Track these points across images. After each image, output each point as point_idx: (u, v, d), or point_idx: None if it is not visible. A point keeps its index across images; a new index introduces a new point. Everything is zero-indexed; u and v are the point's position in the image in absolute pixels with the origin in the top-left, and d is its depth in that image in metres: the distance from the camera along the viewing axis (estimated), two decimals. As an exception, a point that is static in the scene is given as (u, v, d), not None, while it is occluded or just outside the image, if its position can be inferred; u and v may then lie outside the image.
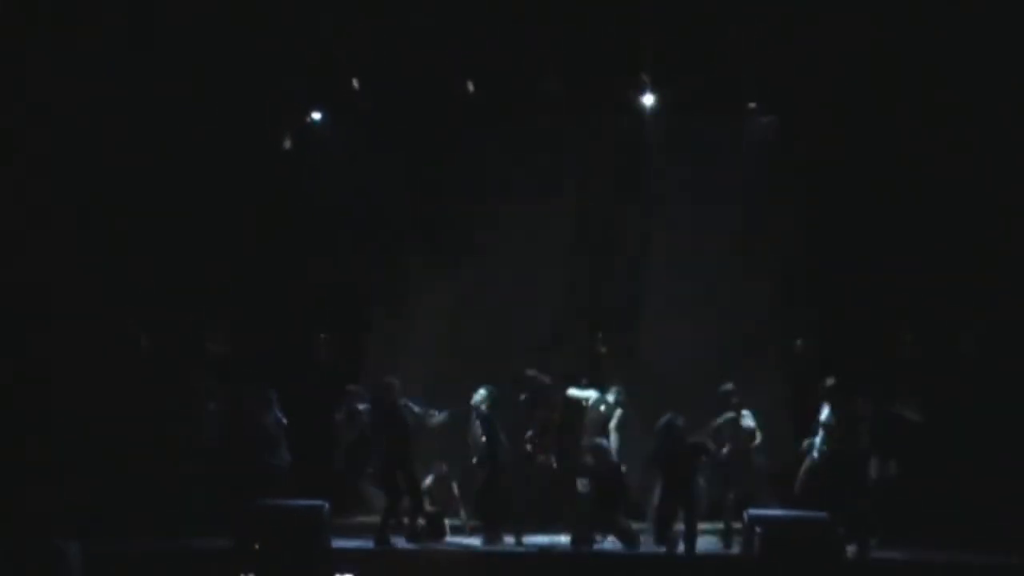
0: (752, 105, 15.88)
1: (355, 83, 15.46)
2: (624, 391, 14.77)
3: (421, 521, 13.90)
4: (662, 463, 13.54)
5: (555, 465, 13.92)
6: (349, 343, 16.18)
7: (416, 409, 14.04)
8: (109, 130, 14.75)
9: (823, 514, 12.88)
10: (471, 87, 15.63)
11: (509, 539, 13.79)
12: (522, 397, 14.17)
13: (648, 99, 15.69)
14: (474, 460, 14.15)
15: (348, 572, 12.38)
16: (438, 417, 14.26)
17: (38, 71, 14.45)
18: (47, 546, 11.80)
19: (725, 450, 14.03)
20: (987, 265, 15.18)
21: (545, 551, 13.55)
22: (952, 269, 15.25)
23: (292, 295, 16.07)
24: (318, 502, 13.03)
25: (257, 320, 15.68)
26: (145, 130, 14.93)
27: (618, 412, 14.68)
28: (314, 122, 16.14)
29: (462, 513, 14.61)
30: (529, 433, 13.97)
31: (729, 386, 14.22)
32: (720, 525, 14.10)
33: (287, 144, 15.83)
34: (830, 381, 14.05)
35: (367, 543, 13.43)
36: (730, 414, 14.07)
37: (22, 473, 13.53)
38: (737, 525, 13.62)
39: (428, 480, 14.50)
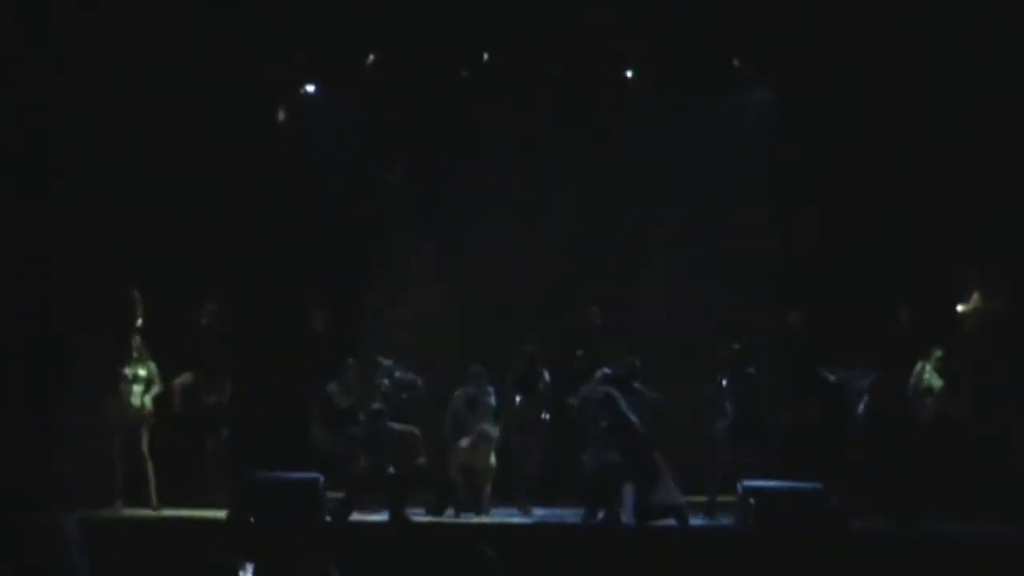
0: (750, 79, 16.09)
1: (370, 57, 15.60)
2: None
3: None
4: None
5: None
6: (344, 314, 16.15)
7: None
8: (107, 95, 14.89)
9: (818, 484, 12.96)
10: (485, 56, 15.80)
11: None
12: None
13: (645, 73, 15.88)
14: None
15: (343, 546, 12.36)
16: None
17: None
18: (44, 519, 11.81)
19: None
20: (988, 242, 15.24)
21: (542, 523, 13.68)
22: (953, 244, 15.32)
23: (286, 267, 16.14)
24: (313, 475, 13.11)
25: (249, 292, 15.67)
26: (138, 96, 15.03)
27: None
28: (308, 94, 16.22)
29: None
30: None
31: (736, 346, 14.37)
32: (703, 498, 14.10)
33: (281, 116, 15.98)
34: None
35: (360, 516, 13.45)
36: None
37: (16, 446, 13.59)
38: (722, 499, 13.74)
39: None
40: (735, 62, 15.81)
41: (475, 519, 13.67)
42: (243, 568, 11.58)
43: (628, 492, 13.15)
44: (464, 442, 14.03)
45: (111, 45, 14.85)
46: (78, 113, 14.85)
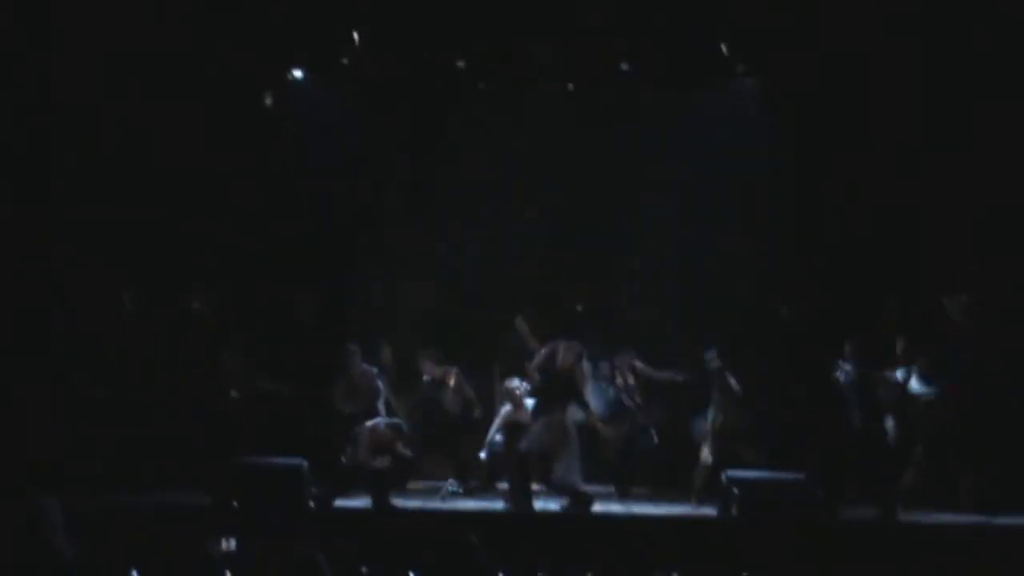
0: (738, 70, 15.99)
1: (355, 36, 15.64)
2: None
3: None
4: None
5: None
6: (331, 303, 16.07)
7: None
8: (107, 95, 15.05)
9: (801, 475, 12.87)
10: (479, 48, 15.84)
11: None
12: None
13: (644, 71, 15.93)
14: None
15: (328, 532, 12.35)
16: None
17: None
18: (28, 503, 11.84)
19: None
20: (987, 242, 15.18)
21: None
22: (952, 244, 15.25)
23: (274, 254, 16.12)
24: (297, 460, 13.11)
25: (238, 279, 15.70)
26: (138, 96, 15.17)
27: None
28: (296, 80, 16.28)
29: None
30: None
31: (713, 352, 14.28)
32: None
33: (268, 101, 16.06)
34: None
35: (345, 503, 13.47)
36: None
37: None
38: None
39: None
40: (727, 53, 15.69)
41: (459, 505, 13.67)
42: (227, 541, 11.76)
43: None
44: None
45: (111, 45, 15.02)
46: (78, 113, 15.03)
